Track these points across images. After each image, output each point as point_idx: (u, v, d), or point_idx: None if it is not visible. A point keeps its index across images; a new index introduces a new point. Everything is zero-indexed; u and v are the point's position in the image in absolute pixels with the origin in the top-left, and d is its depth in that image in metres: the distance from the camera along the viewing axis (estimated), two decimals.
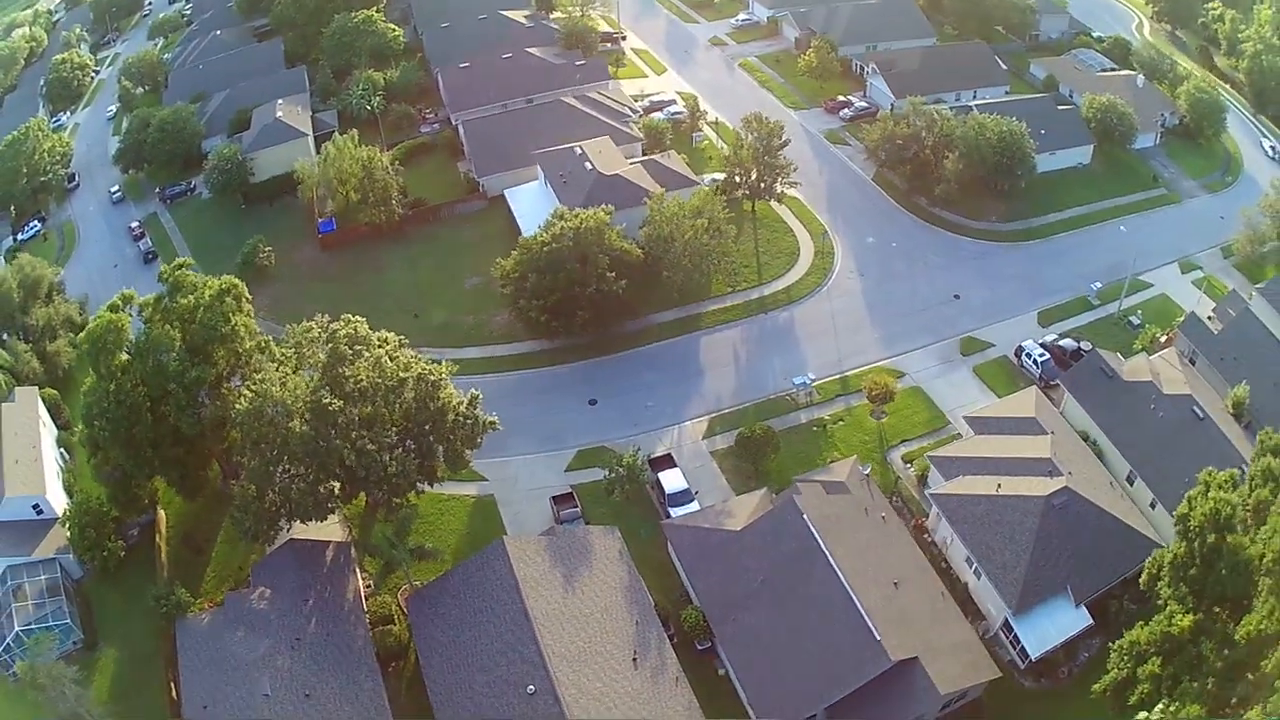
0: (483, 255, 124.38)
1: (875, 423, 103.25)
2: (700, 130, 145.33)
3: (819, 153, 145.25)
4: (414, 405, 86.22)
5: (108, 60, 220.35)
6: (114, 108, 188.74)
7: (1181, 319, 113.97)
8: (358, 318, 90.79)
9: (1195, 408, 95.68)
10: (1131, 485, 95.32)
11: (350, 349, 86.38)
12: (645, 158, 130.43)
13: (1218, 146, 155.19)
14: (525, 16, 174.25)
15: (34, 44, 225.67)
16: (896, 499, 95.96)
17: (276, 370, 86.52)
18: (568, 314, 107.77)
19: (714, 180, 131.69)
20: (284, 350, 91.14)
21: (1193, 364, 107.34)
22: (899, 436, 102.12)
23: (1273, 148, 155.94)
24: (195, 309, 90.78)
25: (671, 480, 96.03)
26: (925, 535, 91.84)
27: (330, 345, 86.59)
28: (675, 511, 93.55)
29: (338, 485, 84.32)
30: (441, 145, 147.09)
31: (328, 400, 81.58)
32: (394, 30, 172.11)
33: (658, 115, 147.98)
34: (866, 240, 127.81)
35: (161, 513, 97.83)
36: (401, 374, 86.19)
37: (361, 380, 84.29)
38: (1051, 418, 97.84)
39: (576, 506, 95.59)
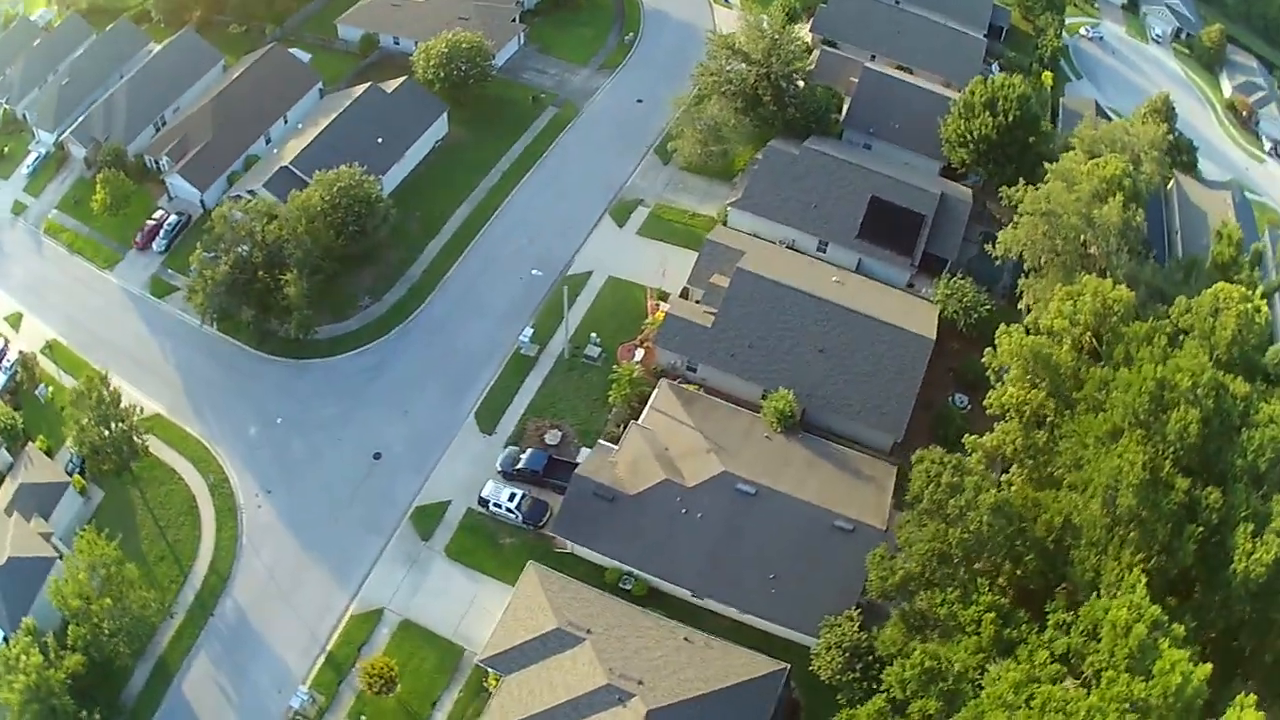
0: None
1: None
2: (41, 384, 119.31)
3: (153, 325, 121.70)
4: None
5: None
6: None
7: (654, 322, 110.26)
8: None
9: (741, 485, 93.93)
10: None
11: None
12: None
13: None
14: None
15: None
16: None
17: None
18: None
19: None
20: None
21: (693, 371, 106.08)
22: (422, 700, 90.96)
23: None
24: None
25: None
26: None
27: None
28: None
29: None
30: None
31: None
32: None
33: None
34: (249, 433, 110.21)
35: None
36: None
37: None
38: (576, 598, 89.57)
39: None
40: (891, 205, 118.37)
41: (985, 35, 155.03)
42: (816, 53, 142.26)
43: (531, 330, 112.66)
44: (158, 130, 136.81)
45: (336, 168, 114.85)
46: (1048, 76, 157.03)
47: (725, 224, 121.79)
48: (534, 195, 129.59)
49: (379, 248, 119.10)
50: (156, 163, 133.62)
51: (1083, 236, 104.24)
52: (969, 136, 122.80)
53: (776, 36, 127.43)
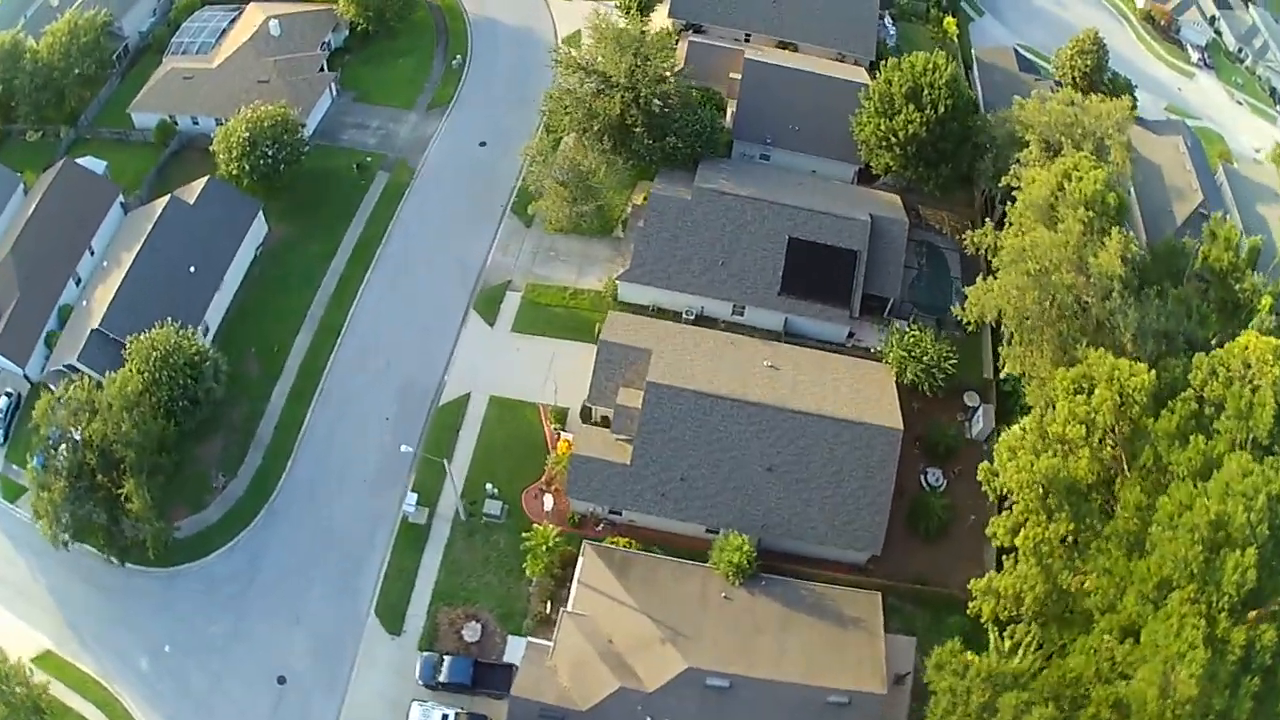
0: None
1: None
2: None
3: (14, 536, 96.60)
4: None
5: None
6: None
7: (559, 459, 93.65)
8: None
9: (712, 680, 79.38)
10: None
11: None
12: None
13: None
14: None
15: None
16: None
17: None
18: None
19: None
20: None
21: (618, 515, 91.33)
22: None
23: None
24: None
25: None
26: None
27: None
28: None
29: None
30: None
31: None
32: None
33: None
34: (142, 666, 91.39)
35: None
36: None
37: None
38: None
39: None
40: (815, 246, 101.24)
41: None
42: (683, 46, 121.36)
43: (415, 495, 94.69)
44: None
45: (150, 325, 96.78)
46: (951, 24, 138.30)
47: (615, 299, 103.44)
48: (381, 299, 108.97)
49: (219, 407, 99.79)
50: None
51: (1079, 292, 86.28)
52: (893, 139, 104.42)
53: (639, 47, 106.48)
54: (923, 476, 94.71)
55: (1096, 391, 77.46)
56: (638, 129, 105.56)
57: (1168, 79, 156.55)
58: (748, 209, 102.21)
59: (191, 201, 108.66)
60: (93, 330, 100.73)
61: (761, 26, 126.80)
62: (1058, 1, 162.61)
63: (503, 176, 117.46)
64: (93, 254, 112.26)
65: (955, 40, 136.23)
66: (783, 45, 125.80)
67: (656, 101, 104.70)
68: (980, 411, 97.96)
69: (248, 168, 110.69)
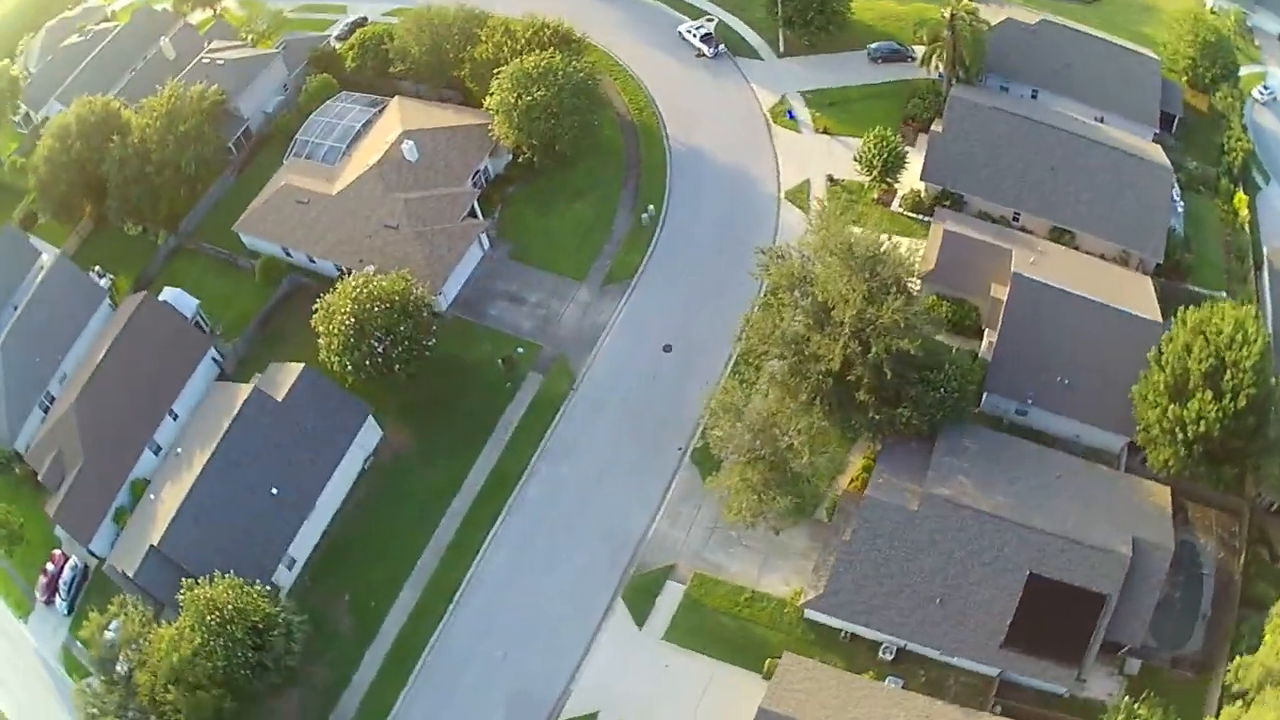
0: None
1: None
2: None
3: None
4: None
5: None
6: None
7: None
8: None
9: None
10: None
11: None
12: None
13: None
14: None
15: None
16: None
17: None
18: None
19: None
20: None
21: None
22: None
23: None
24: None
25: None
26: None
27: None
28: None
29: None
30: None
31: None
32: None
33: None
34: None
35: None
36: None
37: None
38: None
39: None
40: (1058, 586, 76.73)
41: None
42: (936, 234, 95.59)
43: None
44: (45, 412, 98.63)
45: (219, 551, 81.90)
46: (1242, 202, 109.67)
47: (801, 618, 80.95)
48: (509, 563, 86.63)
49: (295, 669, 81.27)
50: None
51: None
52: (1181, 432, 78.45)
53: (876, 266, 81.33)
54: None
55: None
56: (863, 395, 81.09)
57: None
58: (986, 531, 78.25)
59: (280, 397, 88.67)
60: (151, 547, 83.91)
61: (1035, 205, 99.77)
62: None
63: (687, 403, 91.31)
64: (175, 419, 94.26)
65: (1246, 228, 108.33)
66: (1057, 232, 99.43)
67: (888, 363, 79.95)
68: None
69: (349, 365, 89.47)
